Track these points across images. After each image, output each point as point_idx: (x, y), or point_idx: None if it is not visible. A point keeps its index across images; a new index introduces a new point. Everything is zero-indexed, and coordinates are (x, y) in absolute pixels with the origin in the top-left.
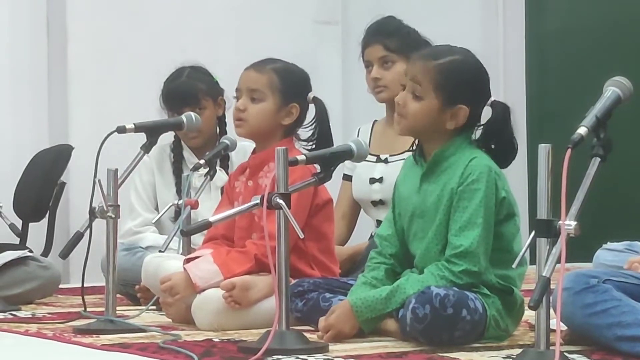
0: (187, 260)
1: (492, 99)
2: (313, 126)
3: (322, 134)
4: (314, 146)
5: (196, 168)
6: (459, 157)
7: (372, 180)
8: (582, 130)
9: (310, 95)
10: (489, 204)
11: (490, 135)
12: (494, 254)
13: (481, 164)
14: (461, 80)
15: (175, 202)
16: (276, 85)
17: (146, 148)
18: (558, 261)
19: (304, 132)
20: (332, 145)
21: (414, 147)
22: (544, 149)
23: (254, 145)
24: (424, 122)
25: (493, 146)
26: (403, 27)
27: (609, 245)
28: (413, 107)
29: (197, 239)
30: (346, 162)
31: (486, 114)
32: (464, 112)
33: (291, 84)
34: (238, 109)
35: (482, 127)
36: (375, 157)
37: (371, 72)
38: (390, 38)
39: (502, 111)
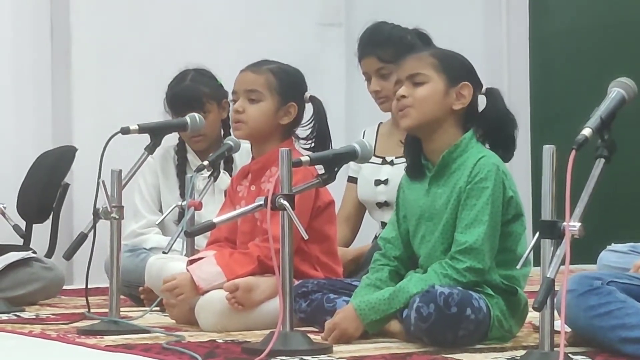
0: (191, 262)
1: (485, 87)
2: (311, 125)
3: (320, 133)
4: (312, 145)
5: (200, 169)
6: (467, 157)
7: (378, 182)
8: (586, 132)
9: (307, 94)
10: (495, 203)
11: (492, 123)
12: (501, 254)
13: (489, 162)
14: (457, 60)
15: (179, 203)
16: (274, 85)
17: (150, 149)
18: (562, 262)
19: (302, 131)
20: (330, 143)
21: (409, 159)
22: (548, 150)
23: None
24: (433, 105)
25: (498, 134)
26: (394, 32)
27: (613, 246)
28: (420, 93)
29: (201, 240)
30: (351, 164)
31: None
32: (468, 90)
33: (288, 84)
34: (236, 110)
35: (481, 117)
36: (381, 159)
37: (371, 82)
38: (383, 48)
39: (499, 97)
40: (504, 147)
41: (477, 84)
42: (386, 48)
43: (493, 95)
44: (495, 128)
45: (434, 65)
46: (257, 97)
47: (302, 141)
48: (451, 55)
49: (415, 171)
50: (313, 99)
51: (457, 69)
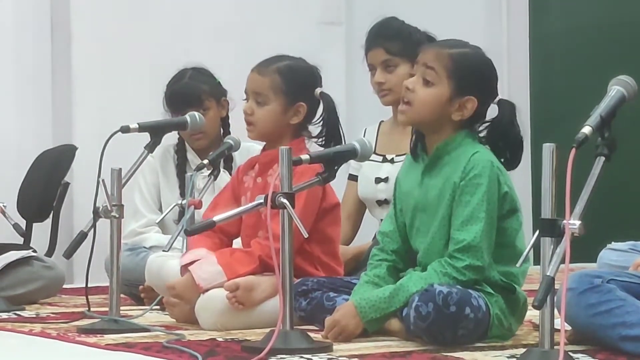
0: (187, 264)
1: (499, 97)
2: (321, 122)
3: (331, 129)
4: (323, 142)
5: (200, 168)
6: (461, 151)
7: (378, 180)
8: (586, 130)
9: (318, 90)
10: (491, 199)
11: (496, 134)
12: (497, 250)
13: (483, 158)
14: (473, 70)
15: (179, 202)
16: (279, 87)
17: (150, 148)
18: (562, 261)
19: (314, 129)
20: (342, 139)
21: (412, 144)
22: (548, 149)
23: (258, 146)
24: (432, 110)
25: (501, 145)
26: (404, 28)
27: (613, 245)
28: (423, 93)
29: None
30: (351, 162)
31: (492, 114)
32: (472, 104)
33: (295, 84)
34: (245, 112)
35: (488, 124)
36: (382, 157)
37: (375, 75)
38: (391, 41)
39: (509, 110)
40: (508, 158)
41: (488, 94)
42: (394, 41)
43: (503, 107)
44: (498, 139)
45: (448, 69)
46: (262, 99)
47: (313, 139)
48: (469, 62)
49: (416, 151)
50: (323, 96)
51: (469, 80)
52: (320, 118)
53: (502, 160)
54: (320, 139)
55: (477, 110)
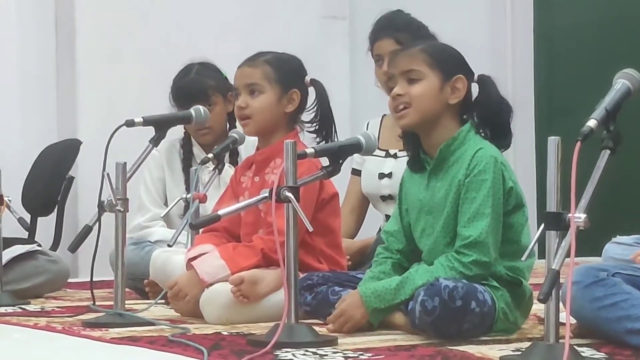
0: (190, 259)
1: (476, 74)
2: (314, 108)
3: (323, 115)
4: (316, 127)
5: (204, 162)
6: (464, 149)
7: (381, 175)
8: (591, 123)
9: (307, 78)
10: (496, 195)
11: (488, 112)
12: (503, 245)
13: (487, 154)
14: (448, 53)
15: (184, 196)
16: (271, 75)
17: (155, 142)
18: (567, 254)
19: (306, 115)
20: (334, 125)
21: (410, 152)
22: (553, 142)
23: None
24: (430, 103)
25: (494, 123)
26: (413, 21)
27: (619, 238)
28: (416, 90)
29: None
30: (355, 156)
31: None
32: (462, 83)
33: (286, 71)
34: (239, 107)
35: (477, 105)
36: (385, 152)
37: (382, 66)
38: (401, 32)
39: (492, 84)
40: (501, 134)
41: (469, 74)
42: (404, 32)
43: (485, 83)
44: (489, 115)
45: (427, 62)
46: (257, 89)
47: (306, 124)
48: (442, 49)
49: (416, 164)
50: (314, 82)
51: (450, 63)
52: (314, 105)
53: (498, 140)
54: (314, 125)
55: (468, 89)
